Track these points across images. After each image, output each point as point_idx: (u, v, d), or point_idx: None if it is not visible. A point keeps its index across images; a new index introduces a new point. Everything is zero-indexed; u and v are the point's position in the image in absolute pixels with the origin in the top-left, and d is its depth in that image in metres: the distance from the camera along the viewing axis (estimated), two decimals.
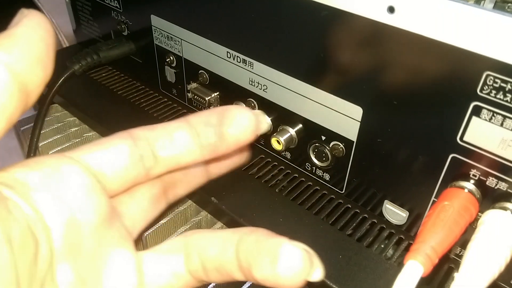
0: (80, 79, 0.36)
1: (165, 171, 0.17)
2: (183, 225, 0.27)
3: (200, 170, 0.20)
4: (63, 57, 0.33)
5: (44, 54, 0.13)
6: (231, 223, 0.27)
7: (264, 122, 0.19)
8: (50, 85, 0.32)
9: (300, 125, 0.26)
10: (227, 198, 0.27)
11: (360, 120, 0.23)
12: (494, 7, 0.25)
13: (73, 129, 0.34)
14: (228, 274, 0.16)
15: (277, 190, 0.28)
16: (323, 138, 0.26)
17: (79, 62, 0.33)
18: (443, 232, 0.19)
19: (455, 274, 0.17)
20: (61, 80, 0.32)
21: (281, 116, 0.27)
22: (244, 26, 0.26)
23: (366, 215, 0.26)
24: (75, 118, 0.36)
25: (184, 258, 0.16)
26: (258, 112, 0.19)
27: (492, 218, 0.19)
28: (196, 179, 0.21)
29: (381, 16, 0.19)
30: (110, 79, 0.38)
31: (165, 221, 0.27)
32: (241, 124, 0.17)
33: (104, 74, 0.38)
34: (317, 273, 0.15)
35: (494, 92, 0.18)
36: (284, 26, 0.24)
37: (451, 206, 0.19)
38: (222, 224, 0.27)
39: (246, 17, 0.25)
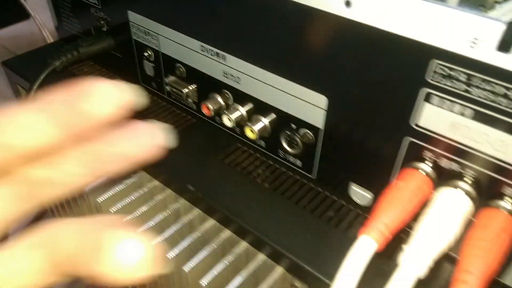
0: (63, 75, 0.37)
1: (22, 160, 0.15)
2: (161, 212, 0.28)
3: (78, 167, 0.16)
4: (47, 54, 0.34)
5: None
6: (209, 210, 0.28)
7: (133, 94, 0.16)
8: (31, 81, 0.33)
9: (272, 115, 0.28)
10: (204, 185, 0.28)
11: (325, 109, 0.24)
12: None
13: None
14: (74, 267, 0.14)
15: (252, 177, 0.29)
16: (293, 126, 0.27)
17: (59, 58, 0.34)
18: (396, 210, 0.20)
19: (404, 246, 0.19)
20: (41, 76, 0.33)
21: (254, 107, 0.28)
22: (215, 21, 0.27)
23: (335, 198, 0.27)
24: None
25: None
26: (124, 86, 0.16)
27: (443, 195, 0.20)
28: (74, 177, 0.17)
29: (339, 9, 0.21)
30: (92, 74, 0.39)
31: (146, 209, 0.28)
32: (99, 99, 0.15)
33: (86, 70, 0.39)
34: (160, 267, 0.14)
35: (442, 79, 0.19)
36: (252, 21, 0.25)
37: (405, 185, 0.21)
38: (200, 211, 0.28)
39: (216, 12, 0.26)
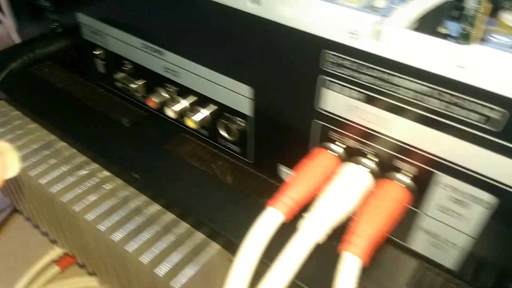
0: (23, 75, 0.39)
1: None
2: (110, 199, 0.31)
3: None
4: (10, 55, 0.36)
5: None
6: (155, 197, 0.30)
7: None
8: None
9: (210, 105, 0.30)
10: (149, 173, 0.30)
11: (251, 97, 0.27)
12: None
13: (17, 122, 0.37)
14: None
15: (196, 164, 0.31)
16: (229, 115, 0.29)
17: (16, 60, 0.36)
18: (302, 184, 0.22)
19: (305, 214, 0.21)
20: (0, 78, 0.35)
21: (194, 98, 0.30)
22: (152, 20, 0.29)
23: (271, 180, 0.30)
24: (18, 112, 0.39)
25: None
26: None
27: (345, 170, 0.23)
28: None
29: (250, 8, 0.23)
30: (51, 74, 0.41)
31: (95, 198, 0.31)
32: None
33: (46, 70, 0.41)
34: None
35: (333, 67, 0.21)
36: (182, 19, 0.27)
37: (311, 163, 0.23)
38: (147, 198, 0.31)
39: (152, 12, 0.28)
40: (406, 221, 0.24)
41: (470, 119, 0.18)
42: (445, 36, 0.19)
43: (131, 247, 0.28)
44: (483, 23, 0.18)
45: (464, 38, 0.17)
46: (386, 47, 0.19)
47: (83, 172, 0.33)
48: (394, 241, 0.25)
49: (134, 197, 0.31)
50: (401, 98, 0.20)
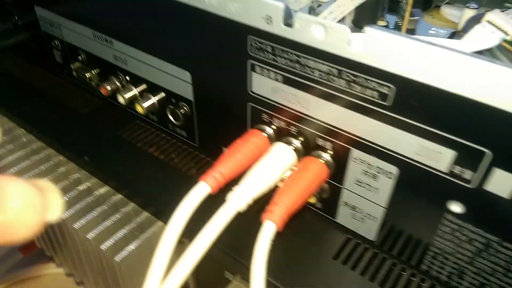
0: None
1: None
2: (63, 181, 0.32)
3: None
4: None
5: None
6: (103, 179, 0.32)
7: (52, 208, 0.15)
8: None
9: (157, 92, 0.32)
10: (100, 157, 0.32)
11: (191, 83, 0.28)
12: None
13: None
14: None
15: (146, 148, 0.33)
16: (173, 100, 0.31)
17: None
18: (231, 161, 0.24)
19: (234, 187, 0.23)
20: None
21: (142, 85, 0.32)
22: (99, 10, 0.31)
23: (213, 161, 0.31)
24: None
25: None
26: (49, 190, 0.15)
27: (275, 148, 0.25)
28: None
29: None
30: (13, 65, 0.42)
31: (50, 178, 0.32)
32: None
33: (7, 61, 0.42)
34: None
35: (257, 51, 0.23)
36: (124, 8, 0.29)
37: (242, 142, 0.25)
38: (97, 180, 0.32)
39: (99, 1, 0.30)
40: (333, 197, 0.26)
41: (367, 95, 0.20)
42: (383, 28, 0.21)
43: (79, 224, 0.29)
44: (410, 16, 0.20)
45: (397, 29, 0.19)
46: (295, 32, 0.21)
47: (38, 156, 0.34)
48: (324, 216, 0.27)
49: (86, 179, 0.32)
50: (313, 78, 0.22)
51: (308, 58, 0.21)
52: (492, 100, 0.16)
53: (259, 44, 0.23)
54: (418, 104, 0.18)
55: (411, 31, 0.31)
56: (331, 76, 0.21)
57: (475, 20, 0.23)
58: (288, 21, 0.21)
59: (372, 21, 0.34)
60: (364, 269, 0.25)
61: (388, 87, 0.19)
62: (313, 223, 0.27)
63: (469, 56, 0.16)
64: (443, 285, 0.24)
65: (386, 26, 0.35)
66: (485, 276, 0.22)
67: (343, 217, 0.26)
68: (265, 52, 0.23)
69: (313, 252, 0.26)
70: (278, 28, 0.21)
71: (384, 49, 0.18)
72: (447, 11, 0.40)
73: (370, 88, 0.20)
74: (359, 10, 0.31)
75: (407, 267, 0.25)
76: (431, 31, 0.37)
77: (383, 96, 0.19)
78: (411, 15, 0.29)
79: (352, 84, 0.20)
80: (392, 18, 0.36)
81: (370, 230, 0.25)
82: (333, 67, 0.20)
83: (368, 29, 0.18)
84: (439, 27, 0.39)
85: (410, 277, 0.25)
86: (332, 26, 0.19)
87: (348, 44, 0.19)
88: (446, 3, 0.40)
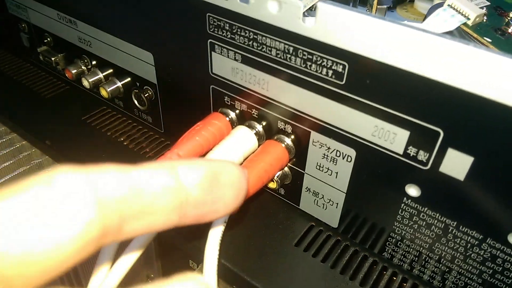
0: None
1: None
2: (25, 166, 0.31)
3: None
4: None
5: None
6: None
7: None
8: None
9: (121, 75, 0.31)
10: (62, 142, 0.31)
11: (153, 64, 0.28)
12: None
13: None
14: None
15: (110, 134, 0.32)
16: (138, 84, 0.30)
17: None
18: (190, 144, 0.24)
19: None
20: None
21: (106, 68, 0.31)
22: None
23: None
24: None
25: None
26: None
27: (235, 131, 0.24)
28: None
29: None
30: None
31: (11, 162, 0.31)
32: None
33: None
34: None
35: (216, 30, 0.22)
36: None
37: (201, 124, 0.24)
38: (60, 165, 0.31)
39: None
40: (295, 183, 0.25)
41: (323, 74, 0.19)
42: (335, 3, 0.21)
43: None
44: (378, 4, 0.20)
45: None
46: (251, 8, 0.20)
47: (1, 140, 0.33)
48: (288, 204, 0.27)
49: (48, 164, 0.31)
50: (271, 58, 0.21)
51: (264, 36, 0.20)
52: (443, 77, 0.16)
53: (218, 22, 0.22)
54: (371, 83, 0.18)
55: None
56: (288, 55, 0.20)
57: (438, 6, 0.23)
58: None
59: None
60: (326, 256, 0.25)
61: (343, 65, 0.18)
62: (277, 211, 0.27)
63: (419, 31, 0.16)
64: (405, 273, 0.24)
65: None
66: (446, 264, 0.21)
67: (306, 203, 0.26)
68: (224, 31, 0.22)
69: (275, 239, 0.25)
70: (235, 4, 0.21)
71: (335, 24, 0.17)
72: (421, 5, 0.40)
73: (325, 67, 0.19)
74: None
75: (369, 255, 0.25)
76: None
77: (338, 75, 0.19)
78: (380, 3, 0.29)
79: (308, 62, 0.20)
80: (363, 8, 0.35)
81: (332, 217, 0.25)
82: (289, 45, 0.20)
83: (319, 4, 0.17)
84: (412, 20, 0.39)
85: (373, 265, 0.24)
86: (286, 1, 0.18)
87: (302, 20, 0.18)
88: None
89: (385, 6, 0.29)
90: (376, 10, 0.29)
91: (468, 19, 0.21)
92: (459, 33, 0.22)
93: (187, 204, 0.14)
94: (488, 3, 0.24)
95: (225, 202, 0.15)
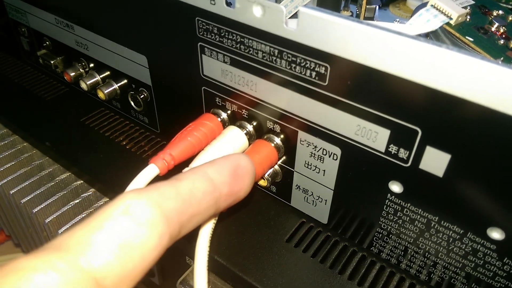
0: None
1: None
2: (26, 166, 0.32)
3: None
4: None
5: None
6: (66, 166, 0.32)
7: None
8: None
9: (117, 77, 0.32)
10: (62, 143, 0.32)
11: (148, 67, 0.28)
12: None
13: None
14: None
15: (108, 135, 0.33)
16: (134, 86, 0.31)
17: None
18: (183, 144, 0.24)
19: (184, 170, 0.23)
20: None
21: (103, 71, 0.32)
22: None
23: None
24: None
25: None
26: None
27: (226, 132, 0.25)
28: None
29: None
30: None
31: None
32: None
33: None
34: None
35: (205, 33, 0.23)
36: None
37: (193, 125, 0.25)
38: (59, 166, 0.32)
39: None
40: (286, 181, 0.26)
41: (307, 76, 0.20)
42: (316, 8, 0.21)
43: (38, 209, 0.29)
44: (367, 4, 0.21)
45: (358, 17, 0.19)
46: (237, 12, 0.21)
47: (3, 142, 0.34)
48: (280, 201, 0.28)
49: (49, 165, 0.32)
50: (257, 60, 0.22)
51: (251, 39, 0.21)
52: (419, 78, 0.17)
53: (206, 26, 0.23)
54: (351, 84, 0.19)
55: (369, 19, 0.31)
56: (273, 57, 0.21)
57: (423, 6, 0.24)
58: (229, 0, 0.21)
59: (336, 11, 0.34)
60: (316, 251, 0.25)
61: (325, 67, 0.19)
62: (269, 208, 0.28)
63: (393, 34, 0.16)
64: (393, 267, 0.24)
65: (351, 16, 0.35)
66: (431, 258, 0.22)
67: (297, 200, 0.26)
68: (212, 34, 0.23)
69: (266, 235, 0.26)
70: (221, 8, 0.21)
71: (316, 27, 0.18)
72: (413, 3, 0.40)
73: (309, 69, 0.20)
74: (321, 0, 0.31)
75: (358, 250, 0.25)
76: (395, 22, 0.38)
77: (320, 76, 0.19)
78: (369, 3, 0.29)
79: (293, 64, 0.20)
80: (353, 8, 0.36)
81: (322, 213, 0.26)
82: (274, 48, 0.20)
83: (301, 8, 0.18)
84: (404, 19, 0.39)
85: (361, 260, 0.25)
86: (269, 5, 0.19)
87: (285, 24, 0.19)
88: None
89: (374, 6, 0.29)
90: (365, 9, 0.29)
91: (451, 18, 0.22)
92: (443, 33, 0.23)
93: (220, 200, 0.18)
94: (473, 2, 0.25)
95: (245, 190, 0.19)
